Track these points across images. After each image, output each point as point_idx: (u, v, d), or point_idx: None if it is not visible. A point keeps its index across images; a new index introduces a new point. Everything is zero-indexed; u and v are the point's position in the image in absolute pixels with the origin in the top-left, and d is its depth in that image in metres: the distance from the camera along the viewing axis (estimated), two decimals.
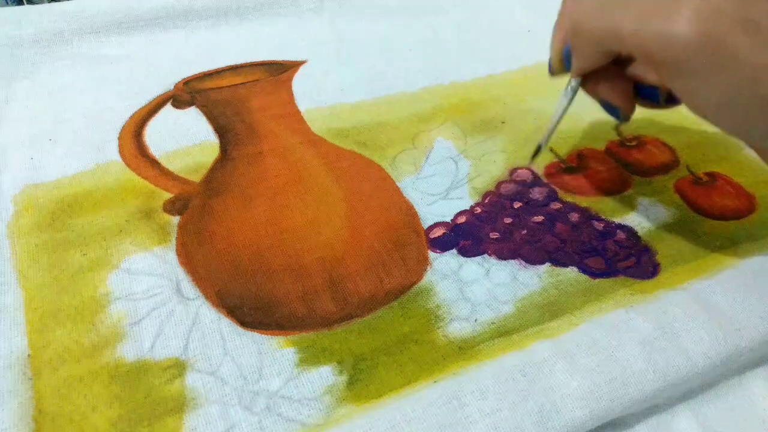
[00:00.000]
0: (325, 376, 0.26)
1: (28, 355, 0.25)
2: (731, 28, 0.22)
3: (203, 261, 0.29)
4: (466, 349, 0.27)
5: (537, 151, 0.33)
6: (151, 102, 0.38)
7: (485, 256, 0.31)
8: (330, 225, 0.31)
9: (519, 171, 0.36)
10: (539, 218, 0.33)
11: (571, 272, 0.30)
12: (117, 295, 0.28)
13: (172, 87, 0.39)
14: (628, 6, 0.24)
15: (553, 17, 0.29)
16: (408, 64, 0.43)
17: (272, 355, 0.26)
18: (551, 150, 0.37)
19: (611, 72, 0.28)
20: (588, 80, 0.29)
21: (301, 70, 0.42)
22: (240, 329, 0.27)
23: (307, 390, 0.25)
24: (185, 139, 0.35)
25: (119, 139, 0.35)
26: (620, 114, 0.29)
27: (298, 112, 0.38)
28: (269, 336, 0.27)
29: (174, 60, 0.41)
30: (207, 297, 0.28)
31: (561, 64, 0.29)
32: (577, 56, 0.28)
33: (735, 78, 0.22)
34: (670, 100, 0.27)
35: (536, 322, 0.28)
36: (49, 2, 0.46)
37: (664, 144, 0.38)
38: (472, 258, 0.31)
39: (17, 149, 0.34)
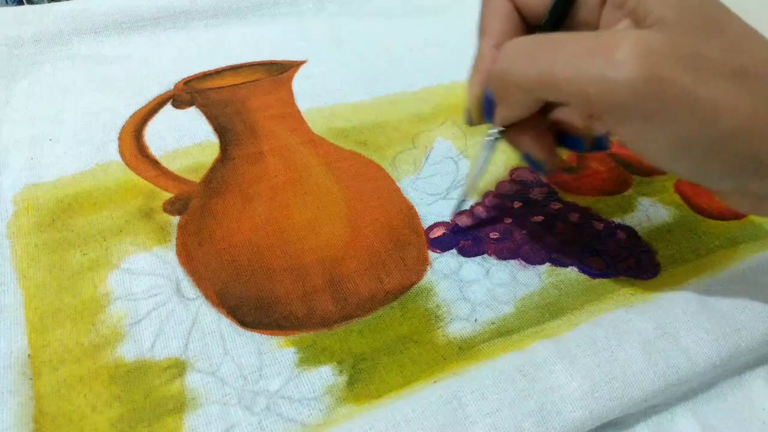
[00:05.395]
0: (325, 376, 0.26)
1: (28, 355, 0.25)
2: (675, 65, 0.20)
3: (203, 261, 0.29)
4: (466, 349, 0.27)
5: (460, 205, 0.32)
6: (151, 102, 0.38)
7: (485, 256, 0.31)
8: (330, 225, 0.31)
9: (519, 171, 0.36)
10: (539, 218, 0.33)
11: (571, 272, 0.30)
12: (117, 295, 0.28)
13: (172, 87, 0.39)
14: (560, 49, 0.22)
15: None
16: (408, 64, 0.43)
17: (272, 355, 0.26)
18: None
19: (534, 122, 0.25)
20: (509, 131, 0.26)
21: (301, 70, 0.42)
22: (240, 329, 0.27)
23: (307, 390, 0.25)
24: (185, 139, 0.35)
25: (119, 139, 0.35)
26: (544, 167, 0.26)
27: (298, 112, 0.38)
28: (269, 336, 0.27)
29: (174, 60, 0.41)
30: (207, 297, 0.28)
31: (480, 113, 0.27)
32: (503, 106, 0.25)
33: (685, 118, 0.20)
34: (596, 147, 0.26)
35: (536, 322, 0.28)
36: (49, 2, 0.46)
37: None
38: (472, 258, 0.31)
39: (17, 149, 0.34)
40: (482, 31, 0.27)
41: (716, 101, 0.20)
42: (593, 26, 0.24)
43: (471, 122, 0.28)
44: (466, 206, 0.33)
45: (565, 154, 0.36)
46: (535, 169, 0.27)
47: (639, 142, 0.22)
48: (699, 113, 0.20)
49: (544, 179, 0.27)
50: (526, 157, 0.27)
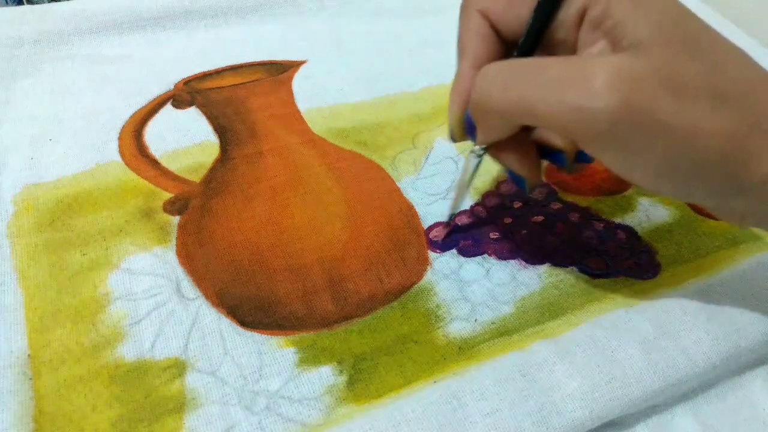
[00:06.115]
0: (325, 376, 0.26)
1: (28, 355, 0.25)
2: (653, 92, 0.19)
3: (203, 261, 0.29)
4: (466, 349, 0.27)
5: (449, 222, 0.31)
6: (151, 102, 0.38)
7: (485, 256, 0.31)
8: (330, 225, 0.31)
9: None
10: (539, 218, 0.33)
11: (571, 272, 0.30)
12: (117, 295, 0.28)
13: (172, 87, 0.39)
14: (536, 76, 0.21)
15: None
16: (408, 64, 0.43)
17: (272, 355, 0.26)
18: None
19: (516, 139, 0.25)
20: (491, 148, 0.26)
21: (301, 70, 0.42)
22: (240, 329, 0.27)
23: (307, 390, 0.25)
24: (185, 139, 0.35)
25: (119, 139, 0.35)
26: (526, 185, 0.26)
27: (298, 112, 0.38)
28: (269, 336, 0.27)
29: (174, 60, 0.41)
30: (207, 297, 0.28)
31: (463, 132, 0.27)
32: (481, 129, 0.25)
33: (667, 145, 0.20)
34: (579, 159, 0.26)
35: (536, 322, 0.28)
36: (49, 2, 0.46)
37: None
38: (472, 258, 0.31)
39: (17, 149, 0.34)
40: (460, 50, 0.27)
41: (696, 126, 0.20)
42: (570, 45, 0.24)
43: (454, 140, 0.28)
44: (464, 206, 0.33)
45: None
46: (517, 184, 0.27)
47: (620, 167, 0.22)
48: (679, 139, 0.20)
49: (528, 193, 0.27)
50: (509, 171, 0.27)
